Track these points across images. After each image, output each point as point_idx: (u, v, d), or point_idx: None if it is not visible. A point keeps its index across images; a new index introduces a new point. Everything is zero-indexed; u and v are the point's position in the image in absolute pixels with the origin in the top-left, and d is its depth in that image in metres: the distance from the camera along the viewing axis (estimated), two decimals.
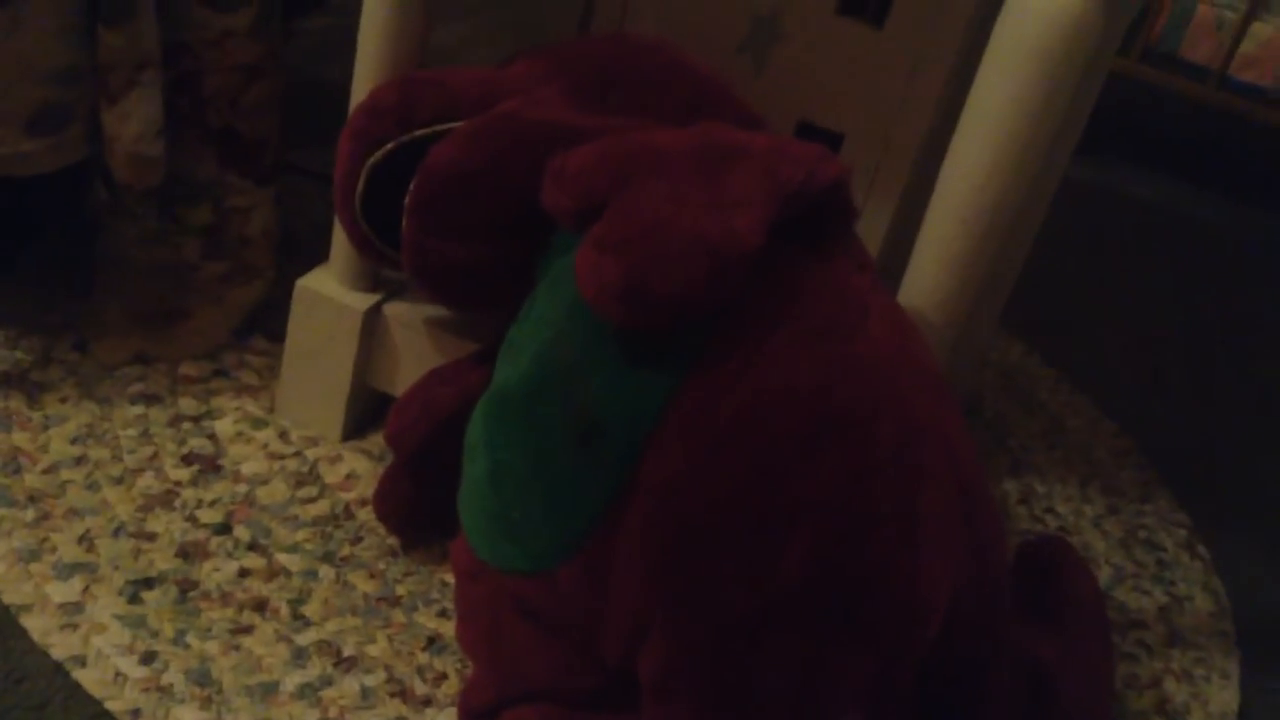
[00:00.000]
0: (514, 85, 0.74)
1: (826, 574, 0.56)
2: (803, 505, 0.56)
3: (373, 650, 0.74)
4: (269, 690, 0.70)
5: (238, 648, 0.72)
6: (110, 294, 0.93)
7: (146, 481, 0.82)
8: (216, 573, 0.77)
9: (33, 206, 1.01)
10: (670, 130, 0.65)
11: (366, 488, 0.86)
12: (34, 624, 0.71)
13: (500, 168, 0.69)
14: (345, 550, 0.81)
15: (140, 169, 0.85)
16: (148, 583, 0.75)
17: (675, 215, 0.57)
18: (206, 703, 0.69)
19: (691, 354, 0.58)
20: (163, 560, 0.77)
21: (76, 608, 0.72)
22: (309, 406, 0.89)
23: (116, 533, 0.78)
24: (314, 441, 0.89)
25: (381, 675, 0.73)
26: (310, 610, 0.76)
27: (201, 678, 0.70)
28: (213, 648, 0.72)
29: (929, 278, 0.69)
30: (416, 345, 0.85)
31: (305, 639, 0.74)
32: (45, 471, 0.81)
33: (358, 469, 0.88)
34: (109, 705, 0.67)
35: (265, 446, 0.88)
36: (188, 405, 0.89)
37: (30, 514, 0.77)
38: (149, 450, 0.84)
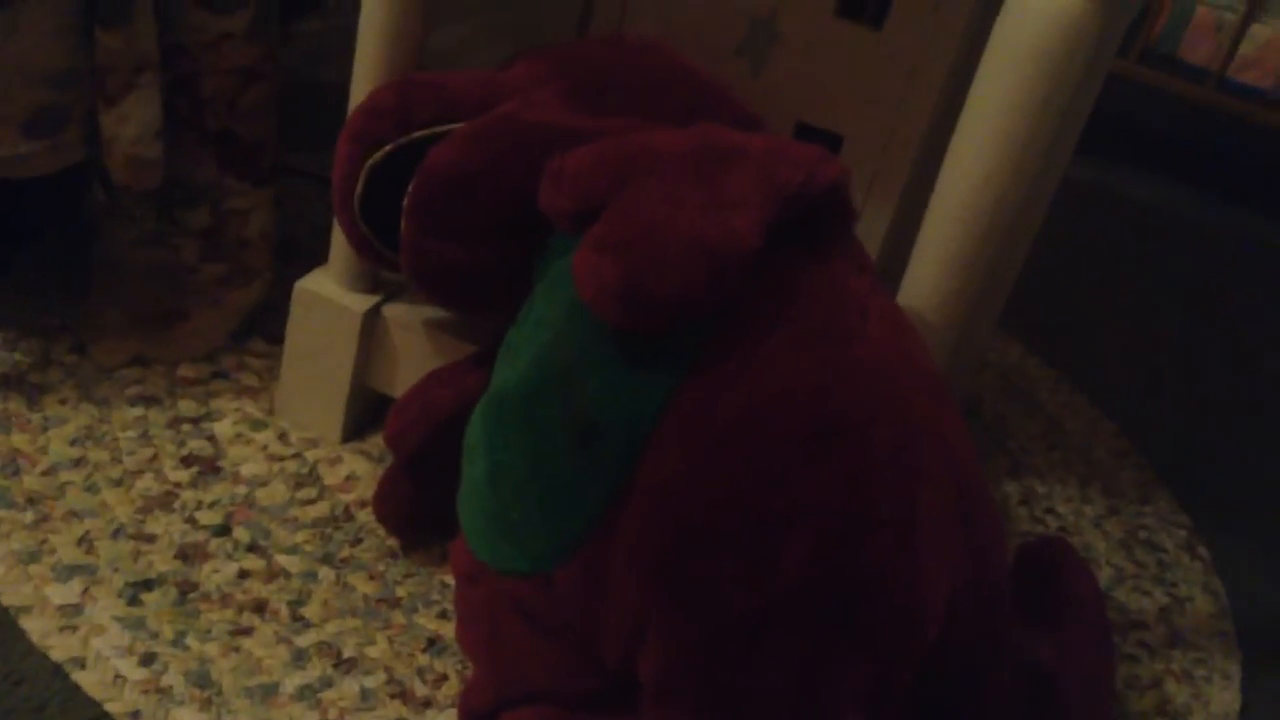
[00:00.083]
0: (512, 87, 0.74)
1: (824, 576, 0.56)
2: (801, 507, 0.56)
3: (373, 652, 0.74)
4: (269, 692, 0.70)
5: (237, 649, 0.72)
6: (108, 296, 0.93)
7: (146, 483, 0.82)
8: (216, 574, 0.77)
9: (30, 209, 1.01)
10: (668, 132, 0.65)
11: (366, 489, 0.86)
12: (33, 626, 0.71)
13: (498, 169, 0.69)
14: (345, 552, 0.81)
15: (138, 171, 0.85)
16: (147, 584, 0.75)
17: (673, 217, 0.57)
18: (206, 704, 0.68)
19: (690, 356, 0.58)
20: (162, 562, 0.77)
21: (76, 609, 0.72)
22: (308, 408, 0.89)
23: (116, 534, 0.78)
24: (313, 443, 0.89)
25: (381, 677, 0.73)
26: (310, 612, 0.76)
27: (201, 679, 0.70)
28: (212, 649, 0.72)
29: (928, 279, 0.69)
30: (415, 347, 0.85)
31: (305, 640, 0.74)
32: (44, 473, 0.81)
33: (357, 470, 0.88)
34: (108, 707, 0.67)
35: (265, 448, 0.88)
36: (187, 407, 0.89)
37: (29, 516, 0.77)
38: (148, 452, 0.84)
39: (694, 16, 0.86)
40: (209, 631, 0.73)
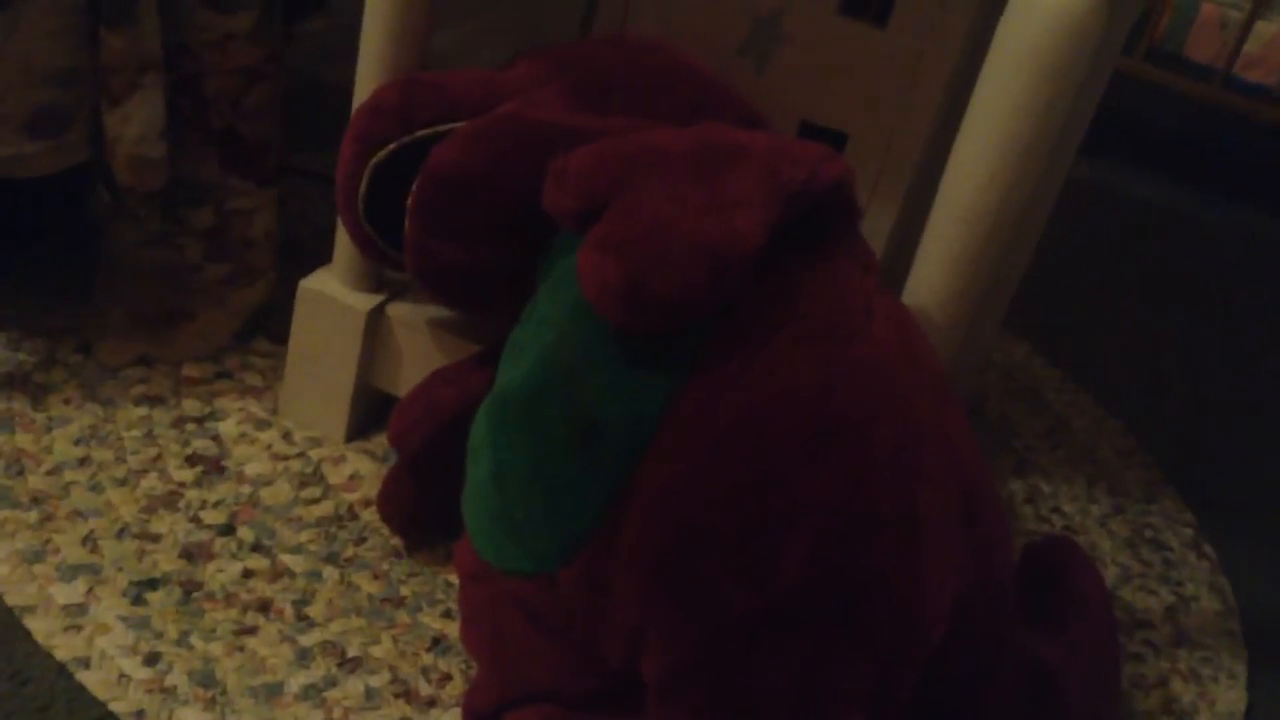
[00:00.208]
0: (515, 86, 0.74)
1: (825, 576, 0.56)
2: (802, 507, 0.56)
3: (377, 651, 0.74)
4: (273, 691, 0.70)
5: (242, 649, 0.72)
6: (113, 296, 0.93)
7: (150, 483, 0.82)
8: (220, 574, 0.77)
9: (34, 209, 1.01)
10: (671, 131, 0.65)
11: (370, 488, 0.86)
12: (38, 625, 0.71)
13: (502, 169, 0.69)
14: (349, 551, 0.81)
15: (142, 171, 0.85)
16: (151, 584, 0.75)
17: (676, 216, 0.57)
18: (210, 704, 0.68)
19: (692, 355, 0.58)
20: (166, 561, 0.77)
21: (80, 609, 0.72)
22: (312, 407, 0.89)
23: (120, 534, 0.78)
24: (317, 442, 0.89)
25: (386, 676, 0.73)
26: (314, 611, 0.76)
27: (205, 679, 0.70)
28: (217, 649, 0.72)
29: (933, 278, 0.69)
30: (419, 346, 0.85)
31: (309, 640, 0.74)
32: (49, 473, 0.81)
33: (361, 470, 0.88)
34: (113, 707, 0.67)
35: (269, 447, 0.88)
36: (191, 407, 0.89)
37: (34, 515, 0.77)
38: (152, 451, 0.84)
39: (697, 15, 0.86)
40: (213, 631, 0.73)
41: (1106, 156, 1.91)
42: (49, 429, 0.84)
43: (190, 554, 0.78)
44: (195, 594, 0.75)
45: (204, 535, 0.79)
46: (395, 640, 0.76)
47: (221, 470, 0.85)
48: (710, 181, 0.59)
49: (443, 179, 0.70)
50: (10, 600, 0.72)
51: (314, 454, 0.88)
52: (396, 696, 0.72)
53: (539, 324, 0.64)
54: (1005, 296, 1.01)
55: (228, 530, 0.80)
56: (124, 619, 0.72)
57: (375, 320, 0.86)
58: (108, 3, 0.80)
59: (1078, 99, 0.64)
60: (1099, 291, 1.53)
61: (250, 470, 0.85)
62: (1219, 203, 1.96)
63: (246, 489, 0.84)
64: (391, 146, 0.73)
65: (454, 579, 0.80)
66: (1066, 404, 1.21)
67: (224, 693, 0.69)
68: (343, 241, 0.84)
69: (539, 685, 0.68)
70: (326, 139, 0.86)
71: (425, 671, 0.74)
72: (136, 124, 0.83)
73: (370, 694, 0.72)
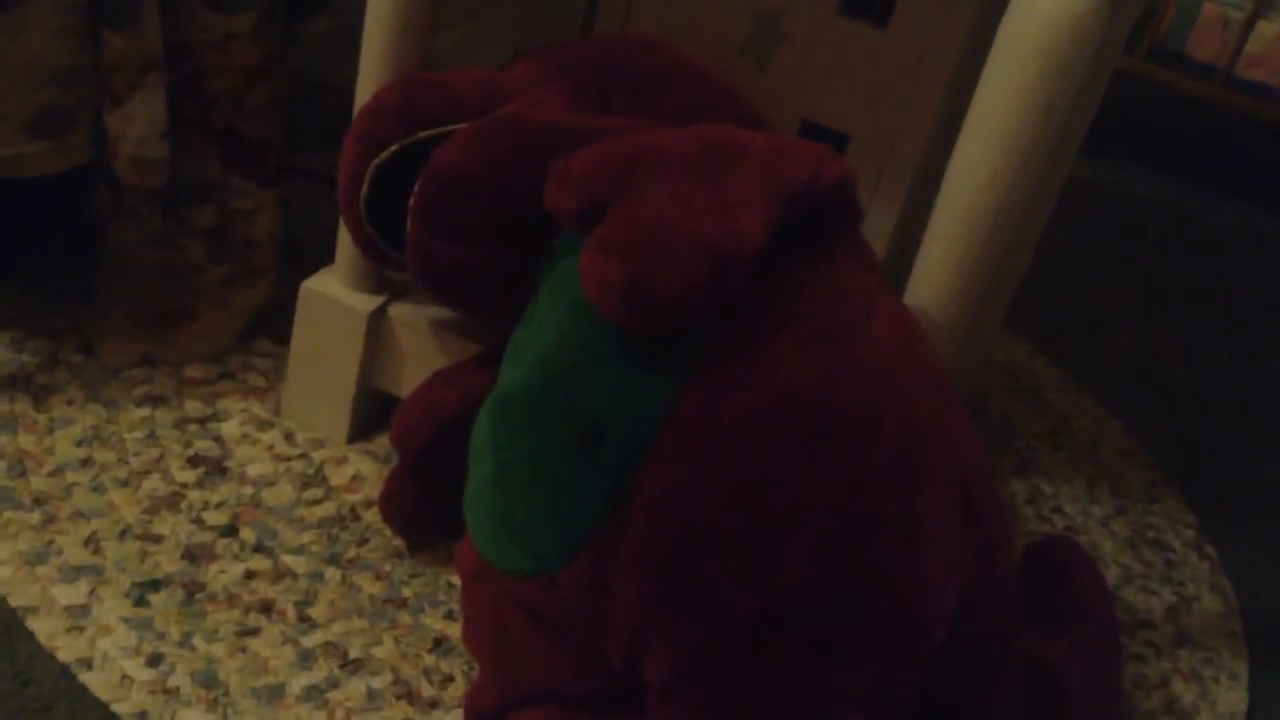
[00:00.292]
0: (516, 87, 0.74)
1: (827, 577, 0.56)
2: (804, 508, 0.56)
3: (379, 652, 0.74)
4: (275, 692, 0.70)
5: (244, 650, 0.72)
6: (115, 297, 0.93)
7: (152, 484, 0.82)
8: (223, 575, 0.77)
9: (36, 209, 1.01)
10: (673, 131, 0.65)
11: (372, 489, 0.86)
12: (40, 626, 0.71)
13: (503, 170, 0.69)
14: (351, 552, 0.81)
15: (144, 171, 0.85)
16: (154, 585, 0.75)
17: (678, 217, 0.57)
18: (213, 705, 0.69)
19: (694, 356, 0.58)
20: (169, 562, 0.77)
21: (83, 610, 0.72)
22: (314, 408, 0.89)
23: (122, 535, 0.78)
24: (320, 443, 0.89)
25: (388, 677, 0.73)
26: (316, 612, 0.76)
27: (208, 680, 0.70)
28: (219, 650, 0.72)
29: (935, 278, 0.69)
30: (421, 347, 0.85)
31: (311, 641, 0.74)
32: (51, 474, 0.81)
33: (363, 471, 0.88)
34: (115, 708, 0.67)
35: (271, 448, 0.88)
36: (193, 407, 0.89)
37: (36, 516, 0.77)
38: (155, 452, 0.85)
39: (698, 15, 0.86)
40: (216, 632, 0.73)
41: (1108, 156, 1.91)
42: (51, 430, 0.84)
43: (192, 555, 0.78)
44: (197, 595, 0.75)
45: (206, 536, 0.79)
46: (397, 641, 0.76)
47: (224, 471, 0.85)
48: (712, 182, 0.59)
49: (444, 180, 0.70)
50: (13, 601, 0.72)
51: (316, 455, 0.88)
52: (398, 698, 0.72)
53: (540, 325, 0.64)
54: (1007, 296, 1.00)
55: (230, 531, 0.80)
56: (126, 620, 0.72)
57: (377, 321, 0.86)
58: (110, 3, 0.80)
59: (1079, 98, 0.64)
60: (1100, 291, 1.53)
61: (252, 471, 0.85)
62: (1221, 202, 1.96)
63: (249, 490, 0.84)
64: (393, 148, 0.73)
65: (456, 580, 0.80)
66: (1068, 404, 1.21)
67: (226, 694, 0.69)
68: (344, 242, 0.84)
69: (541, 686, 0.68)
70: (328, 139, 0.86)
71: (427, 673, 0.74)
72: (138, 124, 0.83)
73: (372, 695, 0.72)
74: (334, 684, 0.72)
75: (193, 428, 0.87)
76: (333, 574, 0.79)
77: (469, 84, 0.74)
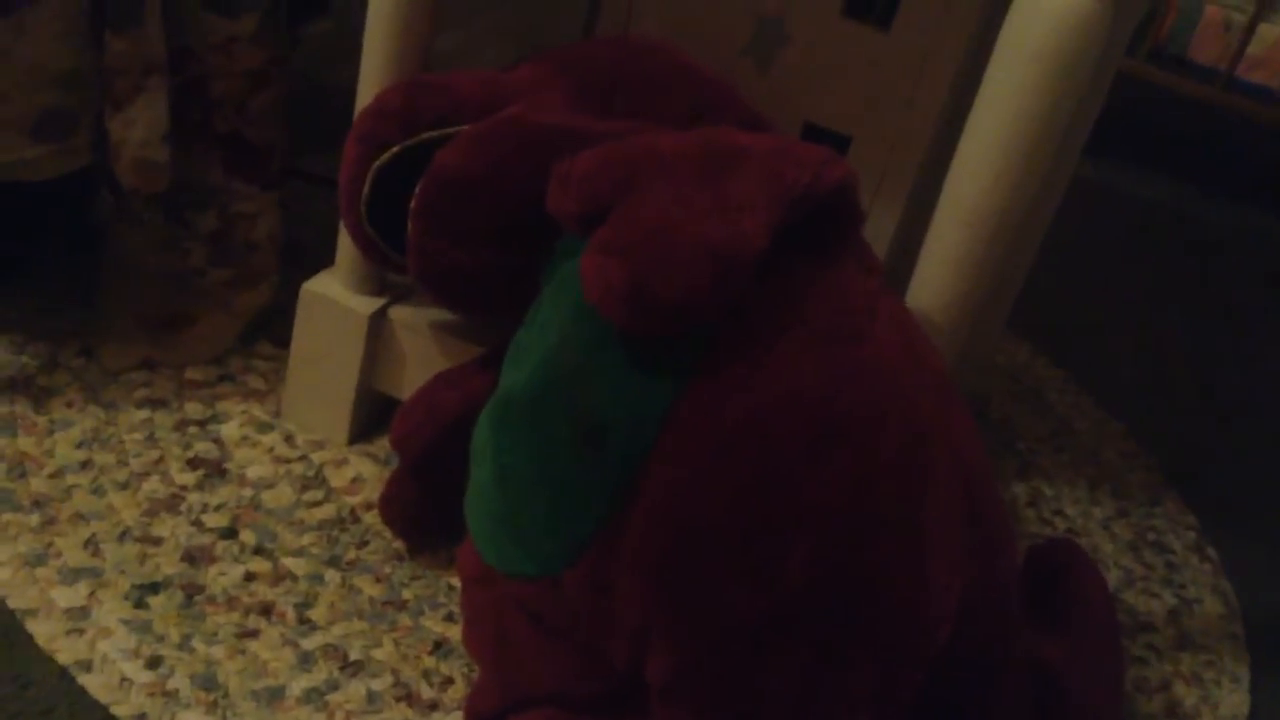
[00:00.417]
0: (518, 89, 0.74)
1: (829, 578, 0.56)
2: (806, 509, 0.56)
3: (379, 654, 0.74)
4: (275, 695, 0.70)
5: (243, 652, 0.72)
6: (116, 299, 0.93)
7: (152, 486, 0.82)
8: (222, 577, 0.77)
9: (38, 212, 1.01)
10: (675, 133, 0.65)
11: (372, 491, 0.86)
12: (40, 629, 0.71)
13: (505, 172, 0.69)
14: (351, 554, 0.81)
15: (146, 174, 0.85)
16: (153, 587, 0.75)
17: (680, 219, 0.57)
18: (212, 707, 0.68)
19: (696, 358, 0.58)
20: (168, 565, 0.77)
21: (82, 612, 0.72)
22: (315, 410, 0.89)
23: (122, 537, 0.78)
24: (320, 445, 0.89)
25: (388, 680, 0.73)
26: (316, 614, 0.76)
27: (207, 682, 0.70)
28: (218, 652, 0.72)
29: (937, 280, 0.69)
30: (422, 349, 0.85)
31: (311, 643, 0.74)
32: (51, 476, 0.81)
33: (363, 473, 0.88)
34: (115, 710, 0.67)
35: (271, 450, 0.88)
36: (193, 410, 0.89)
37: (36, 519, 0.77)
38: (154, 455, 0.84)
39: (700, 17, 0.86)
40: (215, 634, 0.73)
41: (1110, 158, 1.91)
42: (51, 432, 0.84)
43: (192, 557, 0.78)
44: (197, 597, 0.75)
45: (206, 538, 0.79)
46: (397, 643, 0.75)
47: (223, 473, 0.85)
48: (714, 184, 0.59)
49: (446, 182, 0.70)
50: (12, 604, 0.72)
51: (316, 457, 0.88)
52: (398, 700, 0.72)
53: (542, 327, 0.64)
54: (1008, 298, 1.00)
55: (229, 533, 0.80)
56: (126, 622, 0.72)
57: (378, 323, 0.86)
58: (112, 6, 0.80)
59: (1082, 100, 0.64)
60: (1102, 293, 1.53)
61: (252, 473, 0.85)
62: (1222, 204, 1.96)
63: (248, 492, 0.84)
64: (394, 149, 0.73)
65: (456, 582, 0.80)
66: (1069, 405, 1.21)
67: (226, 696, 0.69)
68: (345, 244, 0.84)
69: (542, 688, 0.68)
70: (330, 141, 0.86)
71: (427, 675, 0.74)
72: (140, 127, 0.83)
73: (372, 697, 0.72)
74: (334, 686, 0.72)
75: (193, 430, 0.87)
76: (333, 576, 0.79)
77: (471, 86, 0.74)
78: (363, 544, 0.82)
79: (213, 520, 0.81)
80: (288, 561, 0.79)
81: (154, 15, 0.81)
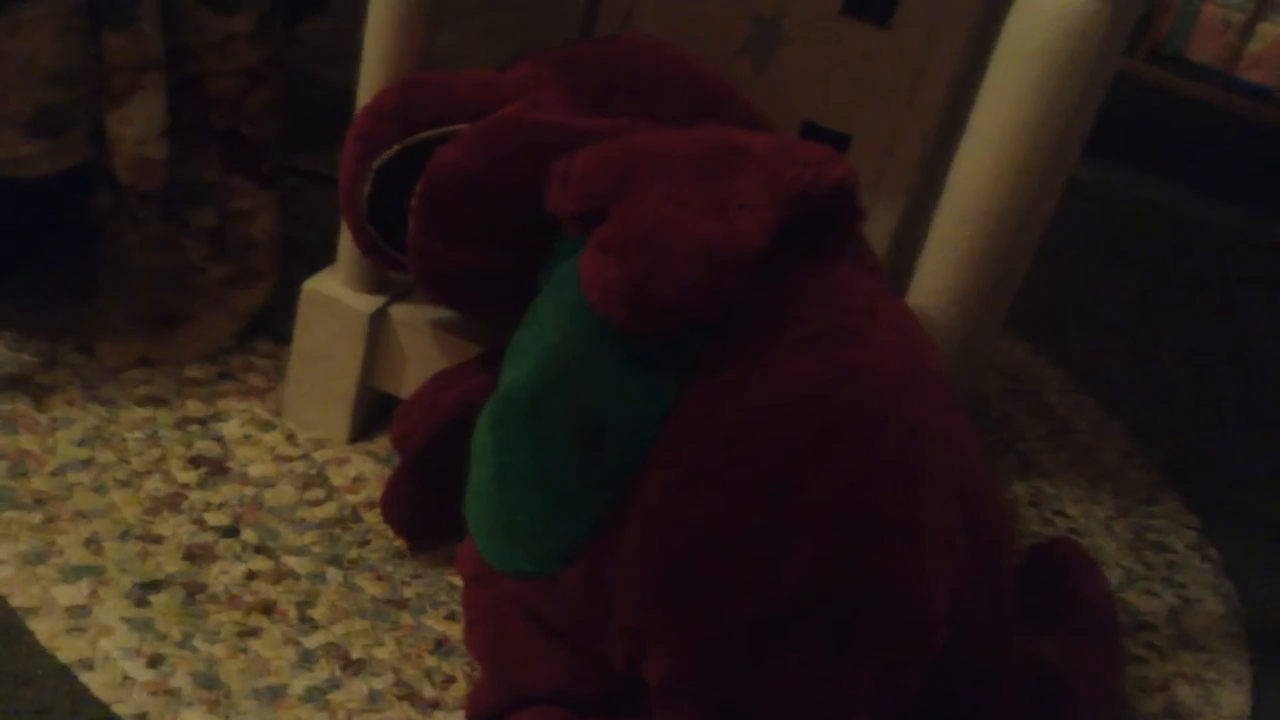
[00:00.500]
0: (517, 88, 0.74)
1: (828, 579, 0.56)
2: (805, 510, 0.56)
3: (380, 653, 0.74)
4: (276, 693, 0.70)
5: (245, 650, 0.72)
6: (114, 297, 0.93)
7: (153, 484, 0.82)
8: (224, 575, 0.77)
9: (36, 209, 1.01)
10: (674, 132, 0.65)
11: (374, 490, 0.86)
12: (40, 627, 0.71)
13: (504, 171, 0.69)
14: (353, 553, 0.81)
15: (143, 172, 0.85)
16: (155, 585, 0.75)
17: (679, 218, 0.57)
18: (214, 706, 0.68)
19: (695, 357, 0.58)
20: (170, 563, 0.77)
21: (83, 611, 0.72)
22: (315, 409, 0.89)
23: (123, 535, 0.78)
24: (321, 444, 0.89)
25: (389, 678, 0.73)
26: (318, 613, 0.76)
27: (209, 681, 0.70)
28: (220, 651, 0.72)
29: (936, 279, 0.69)
30: (422, 348, 0.85)
31: (313, 642, 0.74)
32: (52, 474, 0.81)
33: (365, 471, 0.88)
34: (116, 709, 0.67)
35: (272, 449, 0.88)
36: (194, 408, 0.89)
37: (37, 517, 0.77)
38: (156, 453, 0.84)
39: (699, 15, 0.86)
40: (216, 633, 0.73)
41: (1108, 157, 1.91)
42: (52, 430, 0.84)
43: (193, 555, 0.78)
44: (198, 596, 0.75)
45: (207, 537, 0.79)
46: (398, 642, 0.75)
47: (225, 472, 0.85)
48: (713, 183, 0.59)
49: (445, 181, 0.70)
50: (13, 602, 0.72)
51: (317, 455, 0.88)
52: (400, 699, 0.72)
53: (541, 326, 0.64)
54: (1008, 297, 1.00)
55: (231, 532, 0.80)
56: (127, 621, 0.72)
57: (378, 322, 0.86)
58: (109, 3, 0.80)
59: (1081, 99, 0.64)
60: (1101, 292, 1.53)
61: (253, 472, 0.85)
62: (1220, 203, 1.96)
63: (250, 490, 0.84)
64: (394, 149, 0.73)
65: (457, 581, 0.80)
66: (1069, 405, 1.21)
67: (227, 695, 0.69)
68: (345, 243, 0.84)
69: (542, 687, 0.68)
70: (329, 140, 0.86)
71: (429, 674, 0.74)
72: (138, 124, 0.83)
73: (373, 696, 0.72)
74: (335, 685, 0.72)
75: (194, 428, 0.87)
76: (334, 575, 0.79)
77: (470, 85, 0.74)
78: (364, 543, 0.82)
79: (214, 518, 0.81)
80: (289, 560, 0.79)
81: (151, 12, 0.81)
